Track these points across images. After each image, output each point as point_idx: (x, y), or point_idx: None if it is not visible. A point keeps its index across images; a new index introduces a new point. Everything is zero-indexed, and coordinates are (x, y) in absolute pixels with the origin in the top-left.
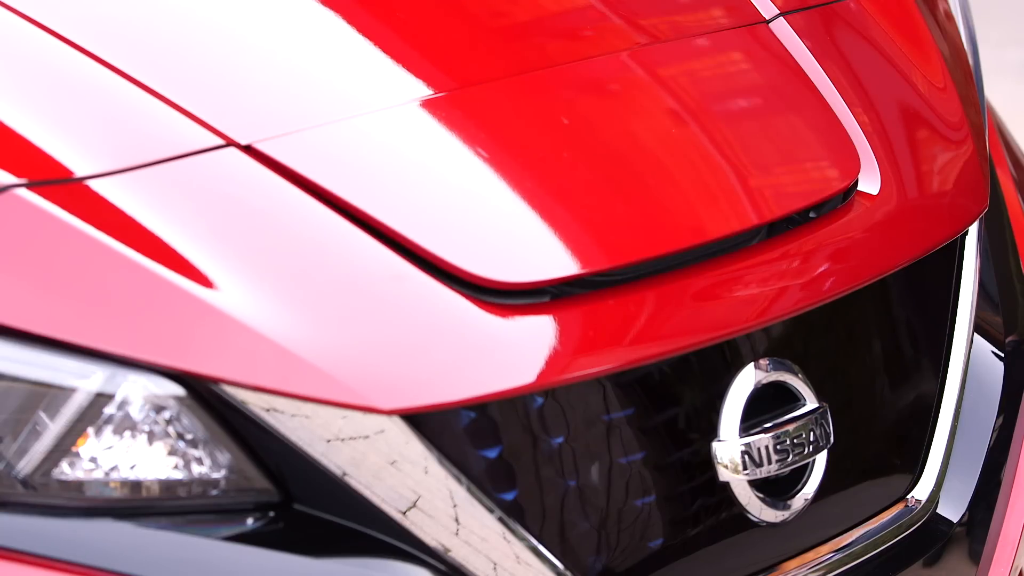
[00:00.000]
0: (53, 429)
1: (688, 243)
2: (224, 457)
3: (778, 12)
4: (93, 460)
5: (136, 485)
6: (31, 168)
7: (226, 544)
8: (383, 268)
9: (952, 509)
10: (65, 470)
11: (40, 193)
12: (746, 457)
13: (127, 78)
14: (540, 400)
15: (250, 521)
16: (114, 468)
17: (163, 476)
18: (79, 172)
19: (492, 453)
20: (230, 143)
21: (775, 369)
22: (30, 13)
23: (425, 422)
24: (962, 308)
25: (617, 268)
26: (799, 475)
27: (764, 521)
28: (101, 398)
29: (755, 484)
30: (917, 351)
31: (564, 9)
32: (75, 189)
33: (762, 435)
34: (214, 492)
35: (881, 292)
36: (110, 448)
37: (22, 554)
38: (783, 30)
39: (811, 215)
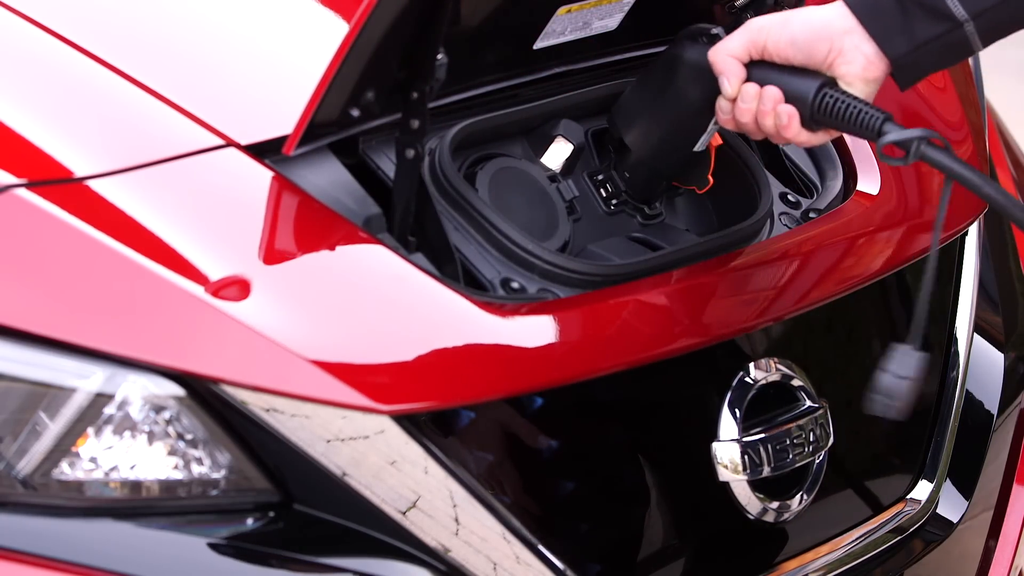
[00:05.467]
0: (53, 429)
1: None
2: (224, 457)
3: None
4: (93, 460)
5: (136, 485)
6: (31, 168)
7: (226, 544)
8: (384, 267)
9: (952, 509)
10: (65, 470)
11: (40, 193)
12: (746, 457)
13: (127, 78)
14: (540, 400)
15: (250, 521)
16: (114, 468)
17: (163, 476)
18: (79, 172)
19: (492, 453)
20: (230, 143)
21: (775, 369)
22: (30, 13)
23: (425, 422)
24: (962, 308)
25: None
26: (799, 475)
27: (764, 521)
28: (101, 398)
29: (755, 484)
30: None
31: None
32: (75, 189)
33: (762, 435)
34: (214, 492)
35: (881, 292)
36: (110, 448)
37: (22, 554)
38: None
39: (811, 215)
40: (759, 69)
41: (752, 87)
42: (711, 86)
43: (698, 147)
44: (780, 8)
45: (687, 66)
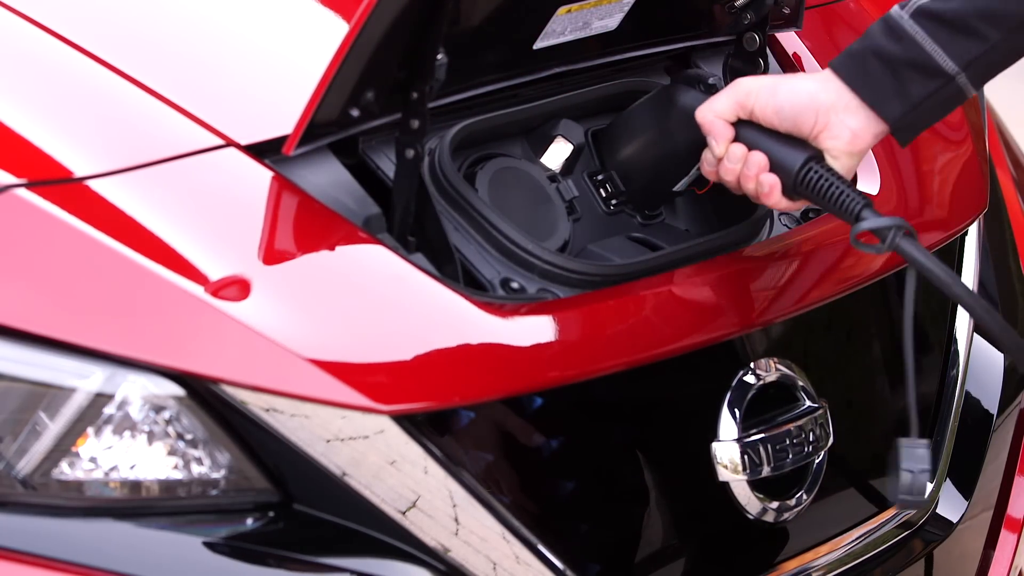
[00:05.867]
0: (53, 429)
1: None
2: (224, 457)
3: None
4: (93, 460)
5: (136, 485)
6: (31, 168)
7: (226, 544)
8: (384, 267)
9: (952, 509)
10: (65, 470)
11: (40, 193)
12: (746, 457)
13: (127, 78)
14: (540, 400)
15: (250, 521)
16: (114, 468)
17: (163, 476)
18: (79, 172)
19: (492, 453)
20: (230, 143)
21: (775, 369)
22: (30, 13)
23: (425, 422)
24: (963, 308)
25: None
26: (799, 475)
27: (764, 521)
28: (101, 398)
29: (755, 484)
30: (917, 351)
31: None
32: (75, 189)
33: (762, 435)
34: (214, 492)
35: (881, 292)
36: (110, 448)
37: (22, 554)
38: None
39: (811, 215)
40: (748, 131)
41: (739, 148)
42: (700, 134)
43: (678, 187)
44: (780, 8)
45: (679, 111)
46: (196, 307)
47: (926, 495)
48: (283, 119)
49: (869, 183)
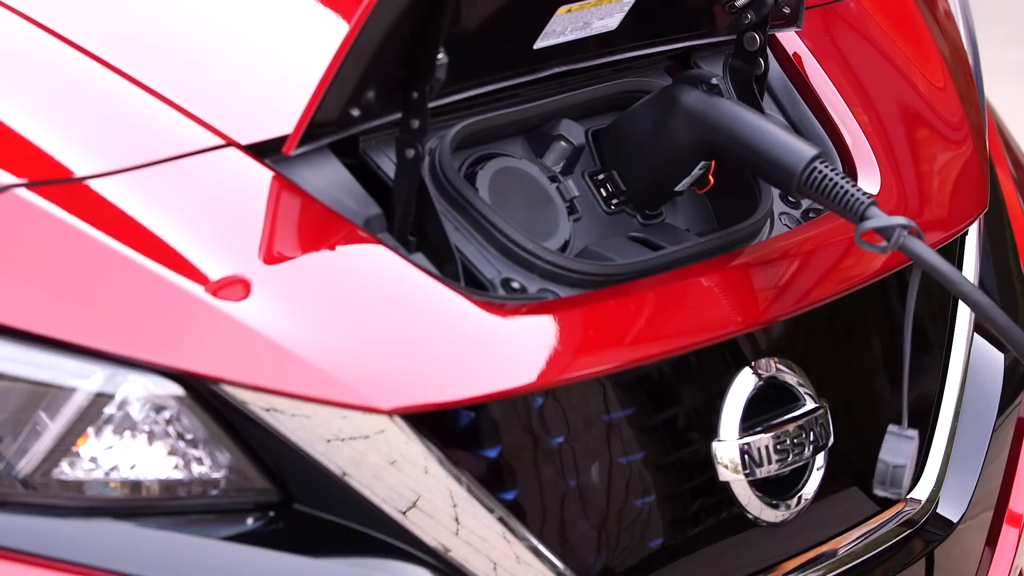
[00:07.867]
0: (53, 429)
1: None
2: (224, 457)
3: None
4: (93, 460)
5: (136, 485)
6: (31, 168)
7: (226, 544)
8: (384, 267)
9: (952, 509)
10: (65, 470)
11: (40, 193)
12: (746, 457)
13: (127, 78)
14: (540, 400)
15: (250, 521)
16: (114, 468)
17: (163, 476)
18: (79, 172)
19: (492, 453)
20: (230, 143)
21: (775, 369)
22: (30, 13)
23: (425, 422)
24: (962, 308)
25: None
26: (799, 475)
27: (764, 521)
28: (101, 398)
29: (755, 484)
30: (917, 351)
31: None
32: (75, 189)
33: (762, 435)
34: (214, 492)
35: (881, 292)
36: (110, 448)
37: (22, 554)
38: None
39: (811, 215)
40: (751, 130)
41: None
42: (703, 133)
43: (680, 187)
44: (780, 8)
45: (682, 110)
46: (196, 307)
47: (903, 489)
48: (283, 119)
49: (869, 183)
